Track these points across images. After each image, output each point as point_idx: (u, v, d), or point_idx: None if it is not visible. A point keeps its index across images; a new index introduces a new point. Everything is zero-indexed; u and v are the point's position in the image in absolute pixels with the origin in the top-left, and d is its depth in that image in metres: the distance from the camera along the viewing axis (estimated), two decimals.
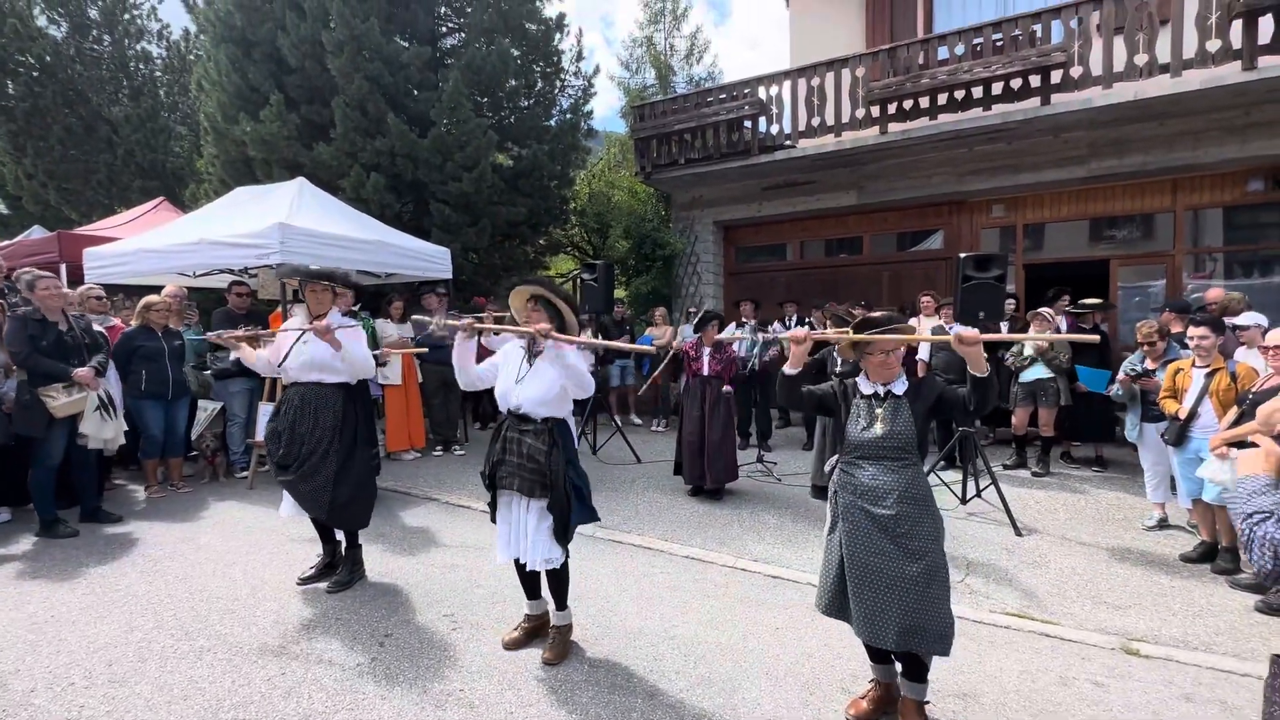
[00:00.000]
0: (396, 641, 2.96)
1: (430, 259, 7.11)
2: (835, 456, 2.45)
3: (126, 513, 4.86)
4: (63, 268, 6.37)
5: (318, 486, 3.38)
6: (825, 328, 4.90)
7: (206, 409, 5.87)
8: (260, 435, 5.27)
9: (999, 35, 7.16)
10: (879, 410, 2.31)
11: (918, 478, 2.27)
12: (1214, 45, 6.09)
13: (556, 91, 10.49)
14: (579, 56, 10.58)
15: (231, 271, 6.43)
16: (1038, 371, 5.93)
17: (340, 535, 3.70)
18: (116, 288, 6.47)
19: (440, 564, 3.93)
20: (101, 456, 4.87)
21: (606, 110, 35.56)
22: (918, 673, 2.28)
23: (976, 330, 2.12)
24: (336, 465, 3.41)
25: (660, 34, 17.83)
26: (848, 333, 2.41)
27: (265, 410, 5.40)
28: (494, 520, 2.89)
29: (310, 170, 8.11)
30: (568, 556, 2.84)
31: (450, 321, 3.00)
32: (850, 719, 2.39)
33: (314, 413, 3.43)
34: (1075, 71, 6.69)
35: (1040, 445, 6.07)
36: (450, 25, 10.04)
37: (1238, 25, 5.94)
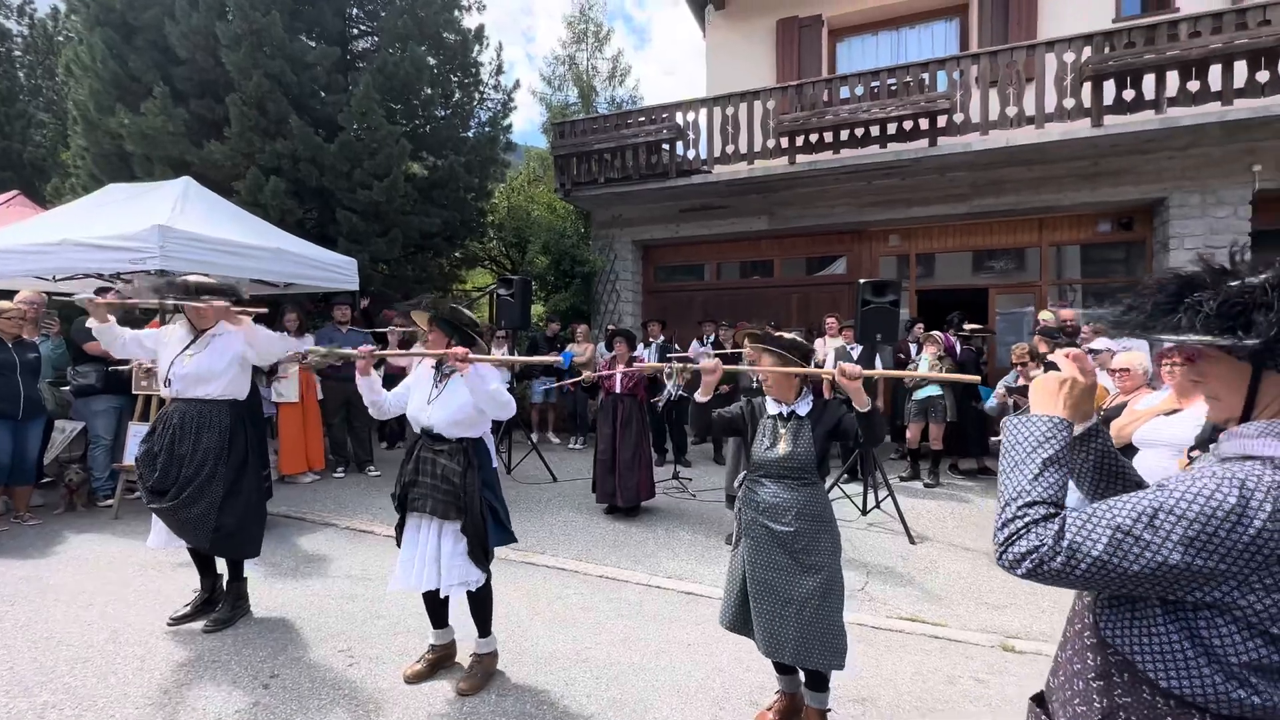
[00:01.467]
0: (284, 683, 2.72)
1: (335, 269, 6.73)
2: (744, 473, 2.52)
3: None
4: None
5: (200, 513, 3.09)
6: (740, 346, 5.08)
7: (65, 430, 5.22)
8: (129, 458, 4.74)
9: (893, 80, 7.79)
10: (782, 430, 2.39)
11: (816, 495, 2.36)
12: (1069, 103, 6.92)
13: (475, 103, 10.32)
14: (499, 70, 10.48)
15: (100, 277, 5.79)
16: (930, 390, 6.42)
17: (223, 567, 3.38)
18: None
19: (337, 594, 3.67)
20: None
21: (526, 124, 35.45)
22: (819, 683, 2.36)
23: (858, 366, 2.20)
24: (223, 489, 3.15)
25: (583, 54, 18.04)
26: (754, 360, 2.50)
27: (136, 431, 4.87)
28: (400, 545, 2.75)
29: (199, 170, 7.49)
30: (489, 579, 2.74)
31: (343, 350, 2.86)
32: None
33: (196, 432, 3.15)
34: (958, 118, 7.39)
35: (931, 458, 6.54)
36: (362, 28, 9.67)
37: (1088, 87, 6.79)
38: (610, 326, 9.23)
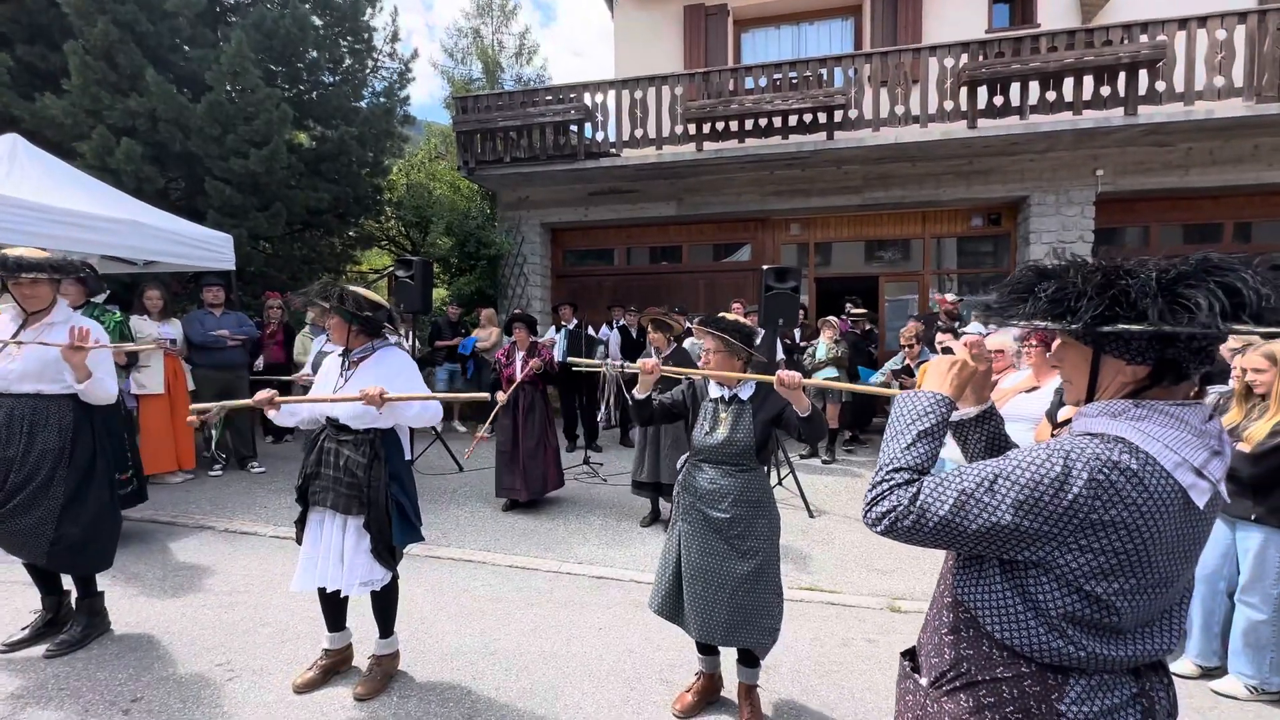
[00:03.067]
0: (148, 706, 2.44)
1: (205, 245, 6.05)
2: (686, 455, 2.51)
3: None
4: None
5: (33, 524, 2.70)
6: (646, 331, 5.06)
7: None
8: None
9: (794, 74, 8.07)
10: (723, 414, 2.36)
11: (754, 481, 2.34)
12: (949, 105, 7.49)
13: (368, 71, 9.63)
14: (394, 37, 9.83)
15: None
16: (828, 372, 6.78)
17: (69, 583, 2.97)
18: None
19: (214, 603, 3.34)
20: None
21: (427, 98, 33.56)
22: (749, 659, 2.39)
23: (797, 374, 2.16)
24: (64, 496, 2.76)
25: (488, 28, 17.29)
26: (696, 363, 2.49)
27: None
28: (300, 542, 2.56)
29: (31, 127, 6.48)
30: (396, 577, 2.60)
31: (240, 402, 2.58)
32: (676, 714, 2.43)
33: (28, 432, 2.73)
34: (853, 113, 7.78)
35: (828, 437, 6.95)
36: None
37: (965, 91, 7.37)
38: (517, 310, 9.01)
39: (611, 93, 8.70)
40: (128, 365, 5.16)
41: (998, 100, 7.29)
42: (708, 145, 8.24)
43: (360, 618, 2.73)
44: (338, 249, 10.17)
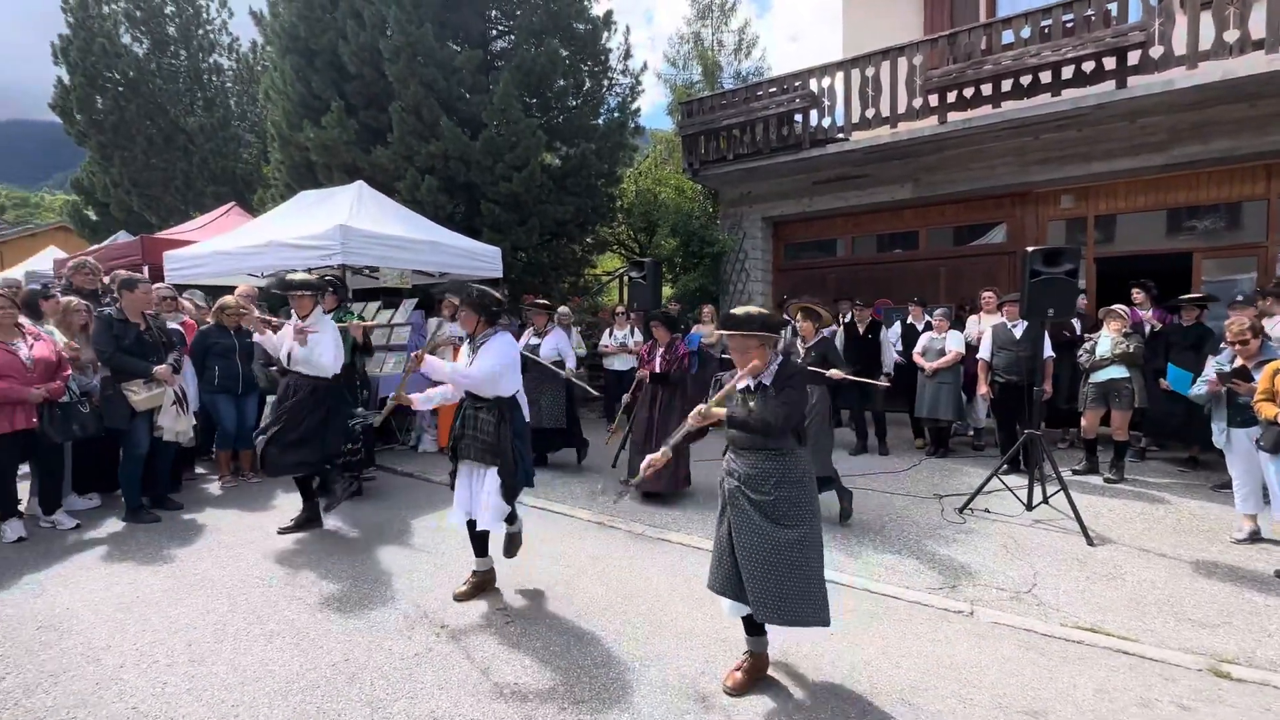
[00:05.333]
0: (452, 633, 3.03)
1: (481, 258, 7.26)
2: (727, 444, 2.64)
3: (201, 502, 5.15)
4: (145, 269, 6.79)
5: (279, 450, 4.11)
6: (796, 321, 4.79)
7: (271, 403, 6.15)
8: None
9: (1069, 16, 6.78)
10: (751, 403, 2.45)
11: (793, 463, 2.44)
12: None
13: (604, 90, 10.54)
14: (626, 54, 10.60)
15: (297, 272, 6.72)
16: (1112, 371, 5.60)
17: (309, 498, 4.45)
18: (197, 286, 6.85)
19: (495, 559, 3.99)
20: (181, 448, 5.16)
21: (650, 107, 35.56)
22: (756, 629, 2.57)
23: (699, 408, 2.48)
24: (294, 436, 4.12)
25: (708, 30, 17.70)
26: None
27: None
28: (453, 488, 3.37)
29: (368, 174, 8.40)
30: (516, 519, 3.37)
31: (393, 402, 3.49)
32: (727, 690, 2.54)
33: (288, 395, 4.18)
34: (1155, 51, 6.27)
35: (1114, 450, 5.73)
36: (501, 28, 10.22)
37: None
38: (721, 308, 9.06)
39: (839, 74, 8.27)
40: (366, 346, 6.19)
41: None
42: (952, 116, 7.38)
43: (529, 557, 3.03)
44: (578, 254, 11.33)
